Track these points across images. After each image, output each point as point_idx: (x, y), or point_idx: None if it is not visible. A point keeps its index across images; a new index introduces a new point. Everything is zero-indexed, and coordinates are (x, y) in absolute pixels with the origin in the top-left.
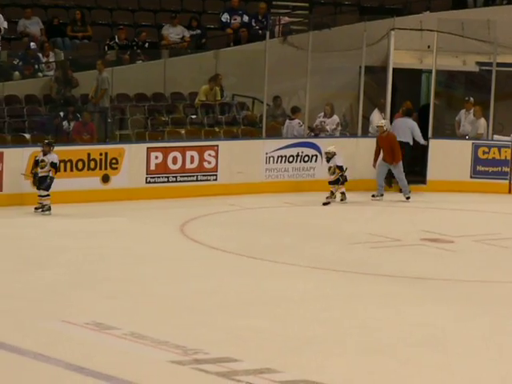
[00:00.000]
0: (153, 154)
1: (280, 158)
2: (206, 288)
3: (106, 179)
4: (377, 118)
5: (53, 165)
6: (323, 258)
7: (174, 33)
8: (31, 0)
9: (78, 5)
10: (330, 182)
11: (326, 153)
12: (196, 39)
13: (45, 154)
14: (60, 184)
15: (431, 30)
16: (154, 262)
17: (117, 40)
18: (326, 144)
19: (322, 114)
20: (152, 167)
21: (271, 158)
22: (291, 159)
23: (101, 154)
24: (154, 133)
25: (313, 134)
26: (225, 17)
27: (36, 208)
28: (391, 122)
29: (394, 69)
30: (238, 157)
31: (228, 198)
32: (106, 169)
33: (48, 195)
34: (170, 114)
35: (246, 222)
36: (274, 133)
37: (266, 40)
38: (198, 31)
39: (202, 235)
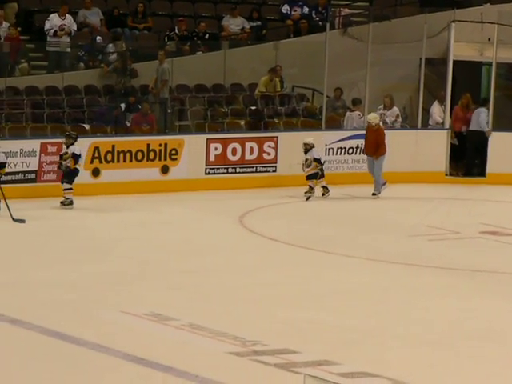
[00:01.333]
0: (212, 145)
1: (339, 150)
2: (264, 279)
3: (165, 170)
4: (437, 111)
5: (73, 156)
6: (381, 249)
7: (234, 24)
8: None
9: None
10: (308, 177)
11: (305, 144)
12: (256, 30)
13: (68, 147)
14: (119, 175)
15: (492, 23)
16: (212, 253)
17: (177, 31)
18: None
19: (382, 106)
20: (211, 158)
21: (331, 150)
22: (351, 151)
23: (160, 145)
24: (213, 124)
25: None
26: (285, 8)
27: (61, 202)
28: (451, 115)
29: (454, 61)
30: (298, 148)
31: (287, 190)
32: (165, 160)
33: (70, 189)
34: (230, 105)
35: (305, 213)
36: (334, 124)
37: (326, 31)
38: (259, 22)
39: (261, 226)
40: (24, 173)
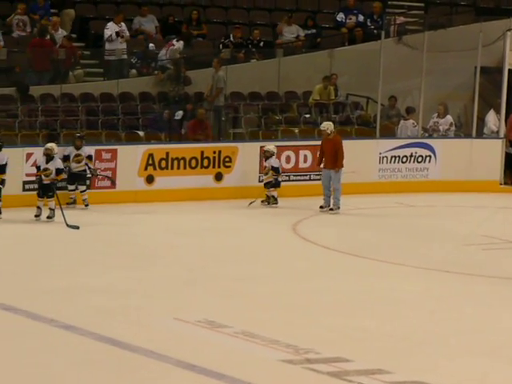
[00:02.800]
0: None
1: (393, 158)
2: (317, 287)
3: (219, 177)
4: (492, 119)
5: (90, 157)
6: (435, 258)
7: (288, 32)
8: None
9: (194, 3)
10: (266, 184)
11: (265, 151)
12: (311, 38)
13: (78, 149)
14: (173, 182)
15: None
16: (266, 261)
17: (232, 38)
18: (439, 144)
19: (436, 114)
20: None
21: (385, 158)
22: (405, 159)
23: (214, 152)
24: (267, 132)
25: (427, 135)
26: (340, 16)
27: (68, 203)
28: (506, 123)
29: (509, 69)
30: (352, 156)
31: (341, 198)
32: (219, 167)
33: (85, 190)
34: (284, 112)
35: (359, 221)
36: (388, 133)
37: (381, 40)
38: (313, 30)
39: (315, 234)
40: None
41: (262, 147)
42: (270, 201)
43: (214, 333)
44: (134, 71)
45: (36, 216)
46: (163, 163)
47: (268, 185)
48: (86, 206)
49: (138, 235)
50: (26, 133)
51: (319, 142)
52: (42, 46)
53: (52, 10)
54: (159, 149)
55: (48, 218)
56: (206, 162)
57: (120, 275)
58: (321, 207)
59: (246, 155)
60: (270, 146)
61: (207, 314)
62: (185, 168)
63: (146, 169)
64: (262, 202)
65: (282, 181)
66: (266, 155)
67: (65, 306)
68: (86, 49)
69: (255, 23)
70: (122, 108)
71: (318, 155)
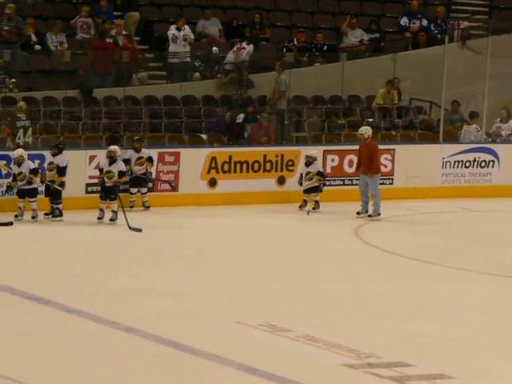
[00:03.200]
0: (329, 157)
1: (457, 163)
2: (379, 292)
3: (281, 181)
4: None
5: (150, 159)
6: (499, 264)
7: (352, 35)
8: (210, 1)
9: (257, 6)
10: (307, 190)
11: (308, 156)
12: (374, 42)
13: (138, 151)
14: (236, 185)
15: None
16: (328, 265)
17: (295, 42)
18: (503, 149)
19: (499, 119)
20: (328, 170)
21: (448, 163)
22: (468, 164)
23: (277, 156)
24: (330, 135)
25: (490, 140)
26: (404, 20)
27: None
28: None
29: None
30: (415, 161)
31: (404, 202)
32: (281, 171)
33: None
34: (347, 116)
35: (422, 226)
36: (451, 137)
37: (444, 44)
38: (377, 34)
39: (377, 239)
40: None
41: (307, 155)
42: (315, 206)
43: (276, 336)
44: (197, 74)
45: (99, 218)
46: (226, 166)
47: (312, 190)
48: (147, 207)
49: (201, 238)
50: (89, 135)
51: (382, 147)
52: (103, 49)
53: (116, 13)
54: (222, 152)
55: (111, 220)
56: (268, 166)
57: (182, 278)
58: (357, 213)
59: None
60: (313, 151)
61: (269, 318)
62: (247, 171)
63: (208, 172)
64: (300, 207)
65: (345, 185)
66: (308, 160)
67: (127, 308)
68: (149, 52)
69: (319, 27)
70: (185, 111)
71: (357, 160)
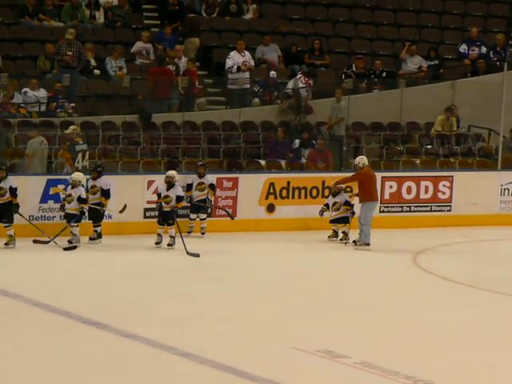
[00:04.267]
0: (387, 183)
1: None
2: (437, 318)
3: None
4: None
5: (212, 186)
6: None
7: (411, 62)
8: (270, 27)
9: (317, 33)
10: (334, 220)
11: (335, 187)
12: (433, 69)
13: (201, 177)
14: (294, 211)
15: None
16: (386, 291)
17: (354, 68)
18: None
19: None
20: (386, 196)
21: (506, 190)
22: None
23: None
24: (388, 162)
25: None
26: (463, 47)
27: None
28: None
29: None
30: (473, 188)
31: (462, 229)
32: None
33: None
34: (406, 143)
35: (480, 253)
36: (510, 165)
37: (503, 71)
38: (436, 61)
39: (435, 265)
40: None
41: (334, 185)
42: (342, 237)
43: (333, 363)
44: (256, 100)
45: (156, 243)
46: (284, 192)
47: (339, 221)
48: (203, 234)
49: (258, 264)
50: (148, 160)
51: (441, 174)
52: (162, 74)
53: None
54: (280, 178)
55: (168, 245)
56: (326, 192)
57: (240, 304)
58: (353, 242)
59: None
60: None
61: (326, 344)
62: (305, 197)
63: (266, 198)
64: (329, 237)
65: (403, 211)
66: (335, 191)
67: (184, 333)
68: (208, 77)
69: (378, 53)
70: (244, 136)
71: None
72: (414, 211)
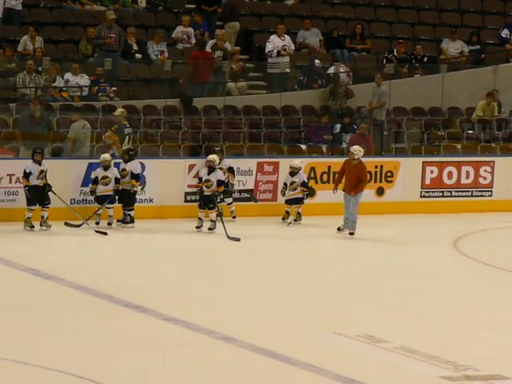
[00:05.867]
0: (428, 168)
1: None
2: (477, 304)
3: (380, 192)
4: None
5: (231, 170)
6: None
7: (453, 47)
8: (311, 11)
9: (358, 17)
10: (290, 201)
11: (292, 167)
12: (475, 54)
13: (219, 162)
14: (334, 195)
15: None
16: (426, 276)
17: (395, 53)
18: None
19: None
20: (427, 181)
21: None
22: None
23: (376, 167)
24: (429, 147)
25: None
26: (505, 32)
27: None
28: None
29: None
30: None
31: (503, 215)
32: (380, 182)
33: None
34: (447, 128)
35: None
36: None
37: None
38: (478, 46)
39: (475, 251)
40: (240, 191)
41: (291, 165)
42: (296, 218)
43: (374, 347)
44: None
45: (197, 227)
46: (325, 177)
47: (294, 201)
48: (234, 218)
49: (298, 248)
50: (189, 144)
51: (483, 159)
52: (203, 59)
53: (218, 23)
54: (321, 162)
55: (209, 229)
56: (367, 177)
57: (281, 288)
58: (338, 229)
59: (408, 170)
60: (296, 161)
61: (367, 329)
62: None
63: (307, 182)
64: (283, 219)
65: (444, 196)
66: (293, 171)
67: (224, 317)
68: (249, 62)
69: (419, 38)
70: (285, 121)
71: (337, 177)
72: (454, 196)
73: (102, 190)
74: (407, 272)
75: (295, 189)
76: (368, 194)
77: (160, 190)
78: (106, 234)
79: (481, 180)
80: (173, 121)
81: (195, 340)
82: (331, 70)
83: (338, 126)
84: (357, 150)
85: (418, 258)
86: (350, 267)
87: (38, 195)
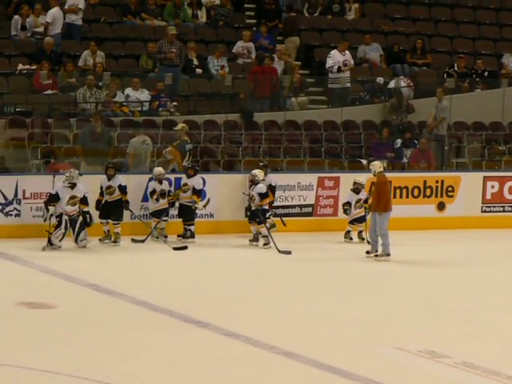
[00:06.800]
0: (489, 183)
1: None
2: None
3: (441, 207)
4: None
5: (271, 187)
6: None
7: None
8: (372, 26)
9: (419, 32)
10: (354, 220)
11: (356, 183)
12: None
13: (256, 184)
14: (396, 211)
15: None
16: (489, 291)
17: (456, 68)
18: None
19: None
20: (488, 196)
21: None
22: None
23: (437, 182)
24: (490, 162)
25: None
26: None
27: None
28: None
29: None
30: None
31: None
32: (441, 196)
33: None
34: (508, 143)
35: None
36: None
37: None
38: None
39: None
40: (301, 206)
41: (355, 182)
42: (358, 237)
43: (435, 363)
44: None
45: (250, 241)
46: None
47: (358, 220)
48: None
49: (358, 262)
50: (250, 159)
51: None
52: (262, 73)
53: (278, 38)
54: None
55: (264, 245)
56: (428, 192)
57: (342, 303)
58: (367, 252)
59: (469, 185)
60: (361, 178)
61: (428, 344)
62: (407, 197)
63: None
64: (345, 237)
65: (505, 211)
66: (357, 187)
67: (285, 332)
68: (310, 76)
69: (480, 53)
70: (346, 136)
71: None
72: None
73: (156, 204)
74: (469, 287)
75: (361, 206)
76: (429, 209)
77: (219, 205)
78: (186, 247)
79: None
80: (233, 136)
81: (256, 355)
82: (392, 85)
83: (399, 141)
84: (372, 165)
85: (480, 273)
86: (410, 281)
87: (108, 210)
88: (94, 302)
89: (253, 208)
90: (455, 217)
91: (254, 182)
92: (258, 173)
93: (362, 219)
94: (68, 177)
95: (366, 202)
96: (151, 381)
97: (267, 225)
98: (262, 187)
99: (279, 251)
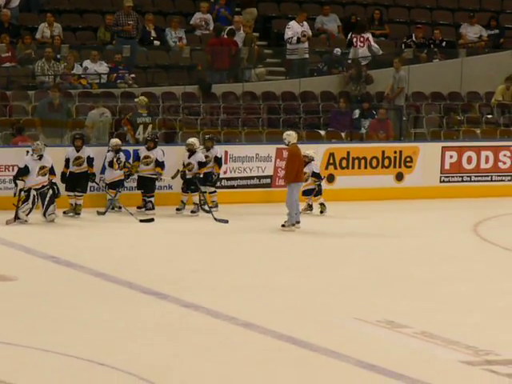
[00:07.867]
0: (447, 153)
1: None
2: (498, 289)
3: (399, 177)
4: None
5: (219, 161)
6: None
7: (471, 32)
8: None
9: (376, 2)
10: (303, 192)
11: (304, 156)
12: (494, 39)
13: (208, 150)
14: (354, 181)
15: None
16: (446, 262)
17: (414, 38)
18: None
19: None
20: (446, 166)
21: None
22: None
23: (395, 152)
24: (449, 132)
25: None
26: None
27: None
28: None
29: None
30: None
31: None
32: (399, 167)
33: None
34: (466, 113)
35: None
36: None
37: None
38: (496, 31)
39: (496, 236)
40: (259, 177)
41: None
42: (322, 208)
43: (394, 333)
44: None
45: (177, 209)
46: (344, 162)
47: (307, 193)
48: (216, 206)
49: (317, 235)
50: (208, 130)
51: (502, 143)
52: (221, 45)
53: (236, 9)
54: (340, 148)
55: (192, 212)
56: (386, 162)
57: (301, 274)
58: (282, 225)
59: (427, 155)
60: (309, 151)
61: (387, 315)
62: (365, 168)
63: (326, 168)
64: (304, 210)
65: (464, 181)
66: (304, 160)
67: (245, 304)
68: (268, 48)
69: (438, 23)
70: (304, 107)
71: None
72: (474, 181)
73: (113, 175)
74: (427, 258)
75: (306, 180)
76: (387, 180)
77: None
78: (153, 220)
79: (500, 165)
80: (191, 107)
81: (216, 326)
82: (351, 55)
83: (357, 112)
84: (284, 134)
85: (439, 243)
86: (369, 253)
87: (74, 182)
88: (53, 274)
89: (188, 177)
90: (414, 187)
91: (191, 151)
92: (196, 141)
93: (309, 192)
94: (35, 149)
95: (313, 175)
96: (111, 352)
97: (210, 205)
98: (201, 156)
99: (216, 219)
